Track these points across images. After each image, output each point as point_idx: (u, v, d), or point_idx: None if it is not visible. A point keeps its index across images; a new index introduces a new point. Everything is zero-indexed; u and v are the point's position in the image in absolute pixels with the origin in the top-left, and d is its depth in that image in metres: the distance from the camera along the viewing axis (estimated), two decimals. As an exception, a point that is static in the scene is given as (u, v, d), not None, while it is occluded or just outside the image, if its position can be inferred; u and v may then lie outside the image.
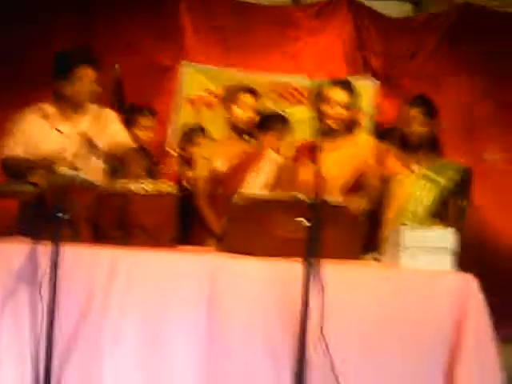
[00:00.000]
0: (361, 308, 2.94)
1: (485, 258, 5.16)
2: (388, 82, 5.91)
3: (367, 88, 5.76)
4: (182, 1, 5.86)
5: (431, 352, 2.89)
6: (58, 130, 3.88)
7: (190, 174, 4.38)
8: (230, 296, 2.97)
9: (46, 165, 3.60)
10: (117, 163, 3.84)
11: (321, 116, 3.91)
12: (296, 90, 5.83)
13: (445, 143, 4.36)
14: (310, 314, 2.79)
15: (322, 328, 2.81)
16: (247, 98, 4.15)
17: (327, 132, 3.92)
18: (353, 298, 2.95)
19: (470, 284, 2.93)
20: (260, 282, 2.98)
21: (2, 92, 5.39)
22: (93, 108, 3.94)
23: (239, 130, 4.16)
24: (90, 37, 5.63)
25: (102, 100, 3.79)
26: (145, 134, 4.59)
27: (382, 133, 5.10)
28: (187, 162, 4.70)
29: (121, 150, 3.85)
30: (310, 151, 3.87)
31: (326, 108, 3.93)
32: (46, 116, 3.91)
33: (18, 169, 3.80)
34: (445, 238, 3.06)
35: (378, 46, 5.94)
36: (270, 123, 4.29)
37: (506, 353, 3.00)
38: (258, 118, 4.20)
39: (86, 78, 3.83)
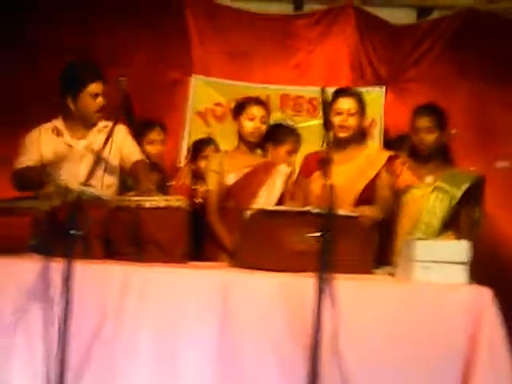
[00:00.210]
0: (374, 323, 2.92)
1: (499, 269, 5.11)
2: (395, 90, 5.90)
3: (376, 96, 5.75)
4: (189, 14, 5.87)
5: (445, 366, 2.87)
6: (71, 146, 3.90)
7: (201, 188, 4.38)
8: (243, 311, 2.96)
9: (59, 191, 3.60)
10: (128, 178, 3.85)
11: (329, 126, 3.90)
12: (308, 101, 5.82)
13: (455, 151, 4.35)
14: (322, 329, 2.78)
15: (337, 344, 2.80)
16: (257, 110, 4.14)
17: (337, 143, 3.91)
18: (366, 313, 2.93)
19: (484, 297, 2.90)
20: (272, 297, 2.96)
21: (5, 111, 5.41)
22: (102, 123, 3.94)
23: (249, 143, 4.15)
24: (95, 50, 5.64)
25: (110, 114, 3.77)
26: (155, 148, 4.58)
27: (392, 142, 5.09)
28: (198, 175, 4.70)
29: (132, 165, 3.85)
30: (320, 163, 3.86)
31: (334, 118, 3.92)
32: (58, 133, 3.92)
33: (29, 179, 3.80)
34: (458, 250, 3.03)
35: (384, 54, 5.93)
36: (281, 136, 4.28)
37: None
38: (266, 128, 4.18)
39: (94, 94, 3.84)
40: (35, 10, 5.65)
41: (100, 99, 3.86)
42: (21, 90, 5.50)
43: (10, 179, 3.88)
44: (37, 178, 3.76)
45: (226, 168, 4.07)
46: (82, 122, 3.92)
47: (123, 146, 3.94)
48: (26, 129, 3.99)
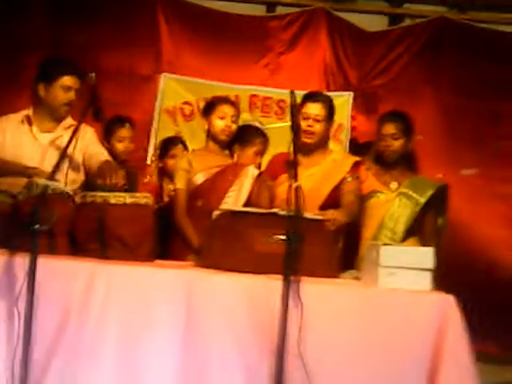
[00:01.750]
0: (338, 327, 2.93)
1: (464, 276, 5.18)
2: (364, 95, 5.93)
3: (344, 101, 5.78)
4: (159, 11, 5.85)
5: (409, 372, 2.89)
6: (36, 139, 3.87)
7: (169, 186, 4.36)
8: (208, 311, 2.96)
9: (25, 174, 3.56)
10: (94, 176, 3.82)
11: (297, 130, 3.88)
12: (276, 103, 5.83)
13: (421, 158, 4.38)
14: (287, 331, 2.79)
15: (299, 347, 2.81)
16: (228, 109, 4.13)
17: (303, 147, 3.91)
18: (330, 317, 2.94)
19: (448, 304, 2.93)
20: (238, 298, 2.96)
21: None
22: (68, 120, 3.93)
23: (219, 142, 4.14)
24: (66, 46, 5.61)
25: (79, 109, 3.75)
26: (124, 145, 4.54)
27: (358, 148, 5.13)
28: (166, 173, 4.68)
29: (99, 165, 3.82)
30: (287, 165, 3.87)
31: (301, 122, 3.91)
32: (29, 122, 3.89)
33: None
34: (424, 256, 3.06)
35: (354, 59, 5.97)
36: (249, 137, 4.25)
37: (485, 372, 3.02)
38: (235, 128, 4.17)
39: (66, 87, 3.83)
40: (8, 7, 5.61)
41: (71, 93, 3.85)
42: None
43: None
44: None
45: (195, 167, 4.05)
46: (50, 114, 3.90)
47: (89, 145, 3.93)
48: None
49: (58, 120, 3.92)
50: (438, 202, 4.16)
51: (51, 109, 3.88)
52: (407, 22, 6.11)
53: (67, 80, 3.83)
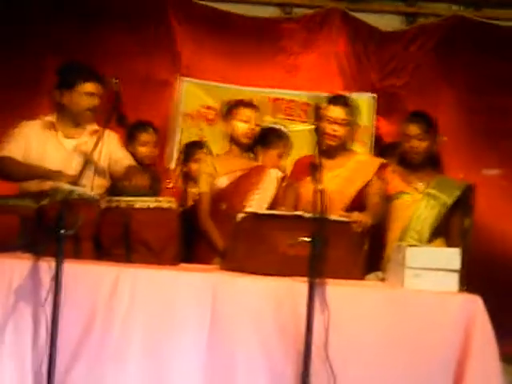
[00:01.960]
0: (364, 329, 2.92)
1: (490, 276, 5.12)
2: (383, 96, 5.90)
3: (365, 103, 5.75)
4: (175, 14, 5.85)
5: (436, 373, 2.87)
6: (61, 144, 3.89)
7: (193, 190, 4.36)
8: (232, 315, 2.96)
9: (49, 177, 3.58)
10: (118, 180, 3.83)
11: (319, 133, 3.86)
12: (299, 106, 5.82)
13: (444, 159, 4.35)
14: (312, 334, 2.77)
15: (326, 349, 2.80)
16: (250, 112, 4.13)
17: (327, 149, 3.90)
18: (356, 319, 2.93)
19: (475, 305, 2.91)
20: (263, 301, 2.96)
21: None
22: (93, 126, 3.94)
23: (242, 145, 4.14)
24: (85, 54, 5.62)
25: (102, 115, 3.76)
26: (148, 150, 4.56)
27: (382, 149, 5.10)
28: (190, 178, 4.69)
29: (124, 170, 3.84)
30: (311, 168, 3.85)
31: (323, 125, 3.90)
32: (52, 128, 3.91)
33: (14, 172, 3.81)
34: (450, 257, 3.04)
35: (371, 59, 5.93)
36: (272, 139, 4.26)
37: (510, 373, 2.99)
38: (258, 131, 4.17)
39: (89, 93, 3.85)
40: (32, 13, 5.65)
41: (94, 99, 3.87)
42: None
43: None
44: (25, 172, 3.77)
45: (219, 171, 4.05)
46: (73, 120, 3.91)
47: (114, 151, 3.94)
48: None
49: (82, 126, 3.93)
50: (464, 202, 4.12)
51: (74, 115, 3.90)
52: (422, 20, 6.06)
53: (89, 86, 3.85)
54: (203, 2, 5.92)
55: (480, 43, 5.76)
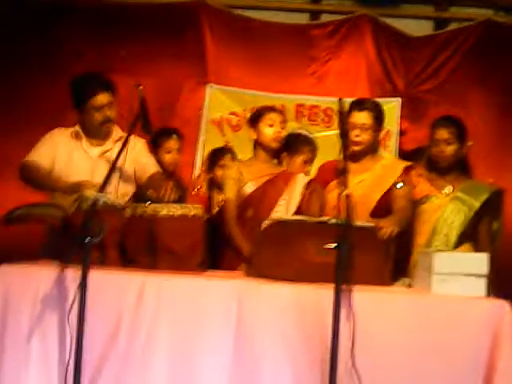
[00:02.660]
0: (391, 336, 2.90)
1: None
2: (411, 101, 5.87)
3: (391, 107, 5.72)
4: (205, 23, 5.87)
5: (465, 379, 2.84)
6: (86, 152, 3.93)
7: (219, 196, 4.36)
8: (258, 322, 2.94)
9: (76, 190, 3.59)
10: (144, 187, 3.84)
11: (346, 137, 3.83)
12: (323, 111, 5.81)
13: (473, 163, 4.31)
14: (339, 341, 2.75)
15: (353, 356, 2.77)
16: (274, 116, 4.12)
17: (352, 154, 3.88)
18: (383, 326, 2.90)
19: (503, 310, 2.87)
20: (289, 308, 2.95)
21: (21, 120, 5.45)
22: (118, 132, 3.96)
23: (269, 151, 4.12)
24: (113, 59, 5.68)
25: (127, 122, 3.77)
26: (172, 157, 4.57)
27: (410, 153, 5.07)
28: (215, 184, 4.68)
29: (149, 176, 3.84)
30: (336, 172, 3.83)
31: (349, 131, 3.88)
32: (77, 136, 3.94)
33: (37, 180, 3.84)
34: (478, 262, 3.01)
35: (400, 65, 5.91)
36: (297, 145, 4.25)
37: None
38: (285, 136, 4.16)
39: (98, 107, 3.85)
40: (59, 20, 5.70)
41: (105, 111, 3.87)
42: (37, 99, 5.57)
43: (18, 169, 3.89)
44: (43, 182, 3.81)
45: (245, 176, 4.04)
46: (94, 132, 3.94)
47: (139, 158, 3.96)
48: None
49: (104, 135, 3.95)
50: (492, 206, 4.09)
51: (93, 129, 3.92)
52: (453, 25, 6.02)
53: (97, 100, 3.84)
54: (231, 9, 5.94)
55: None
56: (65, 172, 3.87)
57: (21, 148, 4.03)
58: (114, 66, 5.55)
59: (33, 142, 3.95)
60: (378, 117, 4.02)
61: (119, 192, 3.77)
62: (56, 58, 5.70)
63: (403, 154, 5.39)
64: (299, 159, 4.26)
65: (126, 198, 3.84)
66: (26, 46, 5.68)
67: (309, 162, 4.30)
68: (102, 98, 3.85)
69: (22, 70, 5.68)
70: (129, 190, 3.93)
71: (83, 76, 3.99)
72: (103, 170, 3.75)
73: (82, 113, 3.89)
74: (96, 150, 3.94)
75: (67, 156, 3.92)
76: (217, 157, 4.88)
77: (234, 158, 4.84)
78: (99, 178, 3.65)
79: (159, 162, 4.31)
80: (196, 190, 4.72)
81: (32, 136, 4.03)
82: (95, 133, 3.94)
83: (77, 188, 3.60)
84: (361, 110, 3.97)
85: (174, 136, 4.60)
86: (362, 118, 3.95)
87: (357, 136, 3.93)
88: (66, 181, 3.78)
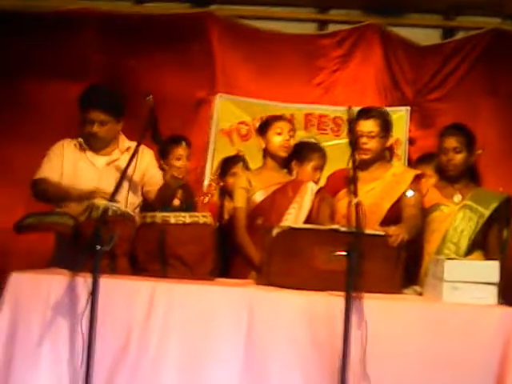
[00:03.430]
0: (402, 343, 2.90)
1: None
2: (420, 110, 5.87)
3: (400, 116, 5.72)
4: (213, 34, 5.89)
5: (476, 387, 2.84)
6: (92, 162, 3.96)
7: (231, 204, 4.36)
8: (269, 330, 2.95)
9: (84, 198, 3.61)
10: (153, 200, 3.86)
11: (353, 147, 3.83)
12: (332, 120, 5.81)
13: (482, 171, 4.31)
14: (350, 349, 2.75)
15: (364, 364, 2.77)
16: (283, 125, 4.13)
17: (361, 162, 3.88)
18: (394, 334, 2.91)
19: (514, 318, 2.88)
20: (299, 316, 2.95)
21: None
22: (125, 143, 3.99)
23: (277, 159, 4.13)
24: (122, 71, 5.69)
25: (136, 131, 3.78)
26: (181, 164, 4.56)
27: (418, 161, 5.06)
28: (226, 192, 4.68)
29: (156, 187, 3.85)
30: (346, 181, 3.83)
31: (357, 139, 3.88)
32: (79, 148, 3.97)
33: (50, 195, 3.88)
34: (488, 270, 3.01)
35: (409, 74, 5.90)
36: (306, 153, 4.26)
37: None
38: (293, 145, 4.17)
39: (91, 121, 3.88)
40: (69, 31, 5.74)
41: (95, 126, 3.89)
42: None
43: (31, 188, 3.94)
44: (55, 194, 3.85)
45: (255, 185, 4.05)
46: (101, 142, 3.97)
47: (148, 168, 3.99)
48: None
49: (109, 145, 3.99)
50: (502, 214, 4.07)
51: (90, 140, 3.97)
52: (460, 34, 6.02)
53: (92, 114, 3.88)
54: (239, 20, 5.95)
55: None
56: (72, 182, 3.89)
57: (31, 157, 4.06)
58: (122, 77, 5.57)
59: (40, 151, 3.98)
60: (385, 124, 4.02)
61: (128, 201, 3.78)
62: (65, 68, 5.71)
63: (412, 162, 5.37)
64: (309, 166, 4.27)
65: (135, 207, 3.85)
66: (35, 55, 5.71)
67: (319, 168, 4.31)
68: (93, 114, 3.88)
69: (31, 78, 5.72)
70: (137, 199, 3.95)
71: (87, 89, 4.04)
72: (110, 179, 3.79)
73: (83, 123, 3.93)
74: (102, 160, 3.96)
75: (73, 167, 3.95)
76: (228, 165, 4.87)
77: (246, 166, 4.83)
78: (106, 187, 3.68)
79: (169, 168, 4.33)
80: (207, 198, 4.73)
81: (41, 145, 4.06)
82: (95, 144, 3.96)
83: (89, 195, 3.62)
84: (367, 118, 3.97)
85: (183, 143, 4.59)
86: (368, 126, 3.95)
87: (364, 144, 3.93)
88: (78, 189, 3.79)
